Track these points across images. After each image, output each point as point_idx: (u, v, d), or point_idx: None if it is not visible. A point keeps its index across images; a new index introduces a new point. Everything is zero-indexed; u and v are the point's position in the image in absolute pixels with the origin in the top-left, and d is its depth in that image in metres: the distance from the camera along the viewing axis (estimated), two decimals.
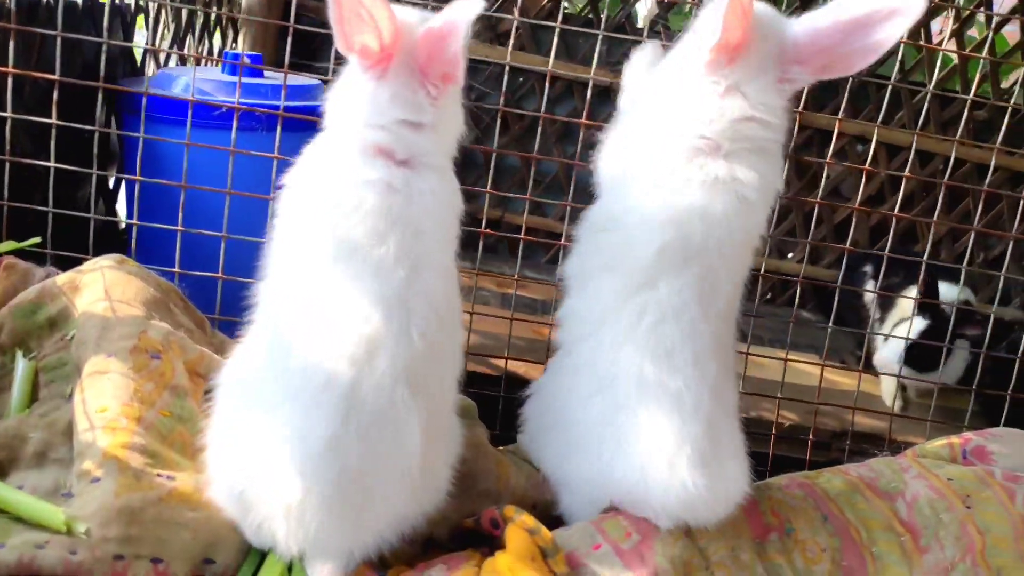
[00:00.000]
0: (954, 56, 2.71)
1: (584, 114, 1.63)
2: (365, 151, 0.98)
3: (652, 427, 1.04)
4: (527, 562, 0.93)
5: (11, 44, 1.42)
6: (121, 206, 2.22)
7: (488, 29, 2.80)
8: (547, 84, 1.78)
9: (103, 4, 2.11)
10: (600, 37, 1.63)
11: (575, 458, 1.11)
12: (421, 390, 0.96)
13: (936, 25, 3.14)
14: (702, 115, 1.06)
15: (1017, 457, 1.33)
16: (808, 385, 1.90)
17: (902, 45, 3.03)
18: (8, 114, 1.40)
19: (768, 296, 3.05)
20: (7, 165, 1.40)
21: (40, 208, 1.40)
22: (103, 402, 1.07)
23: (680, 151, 1.07)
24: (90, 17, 2.05)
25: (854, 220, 2.06)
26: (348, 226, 0.95)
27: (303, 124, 1.32)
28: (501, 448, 1.23)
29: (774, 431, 1.75)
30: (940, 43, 2.94)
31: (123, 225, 2.18)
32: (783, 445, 1.82)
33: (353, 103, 1.00)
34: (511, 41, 2.11)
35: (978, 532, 1.22)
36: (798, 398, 1.81)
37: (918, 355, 2.01)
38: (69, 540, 0.92)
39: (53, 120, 1.38)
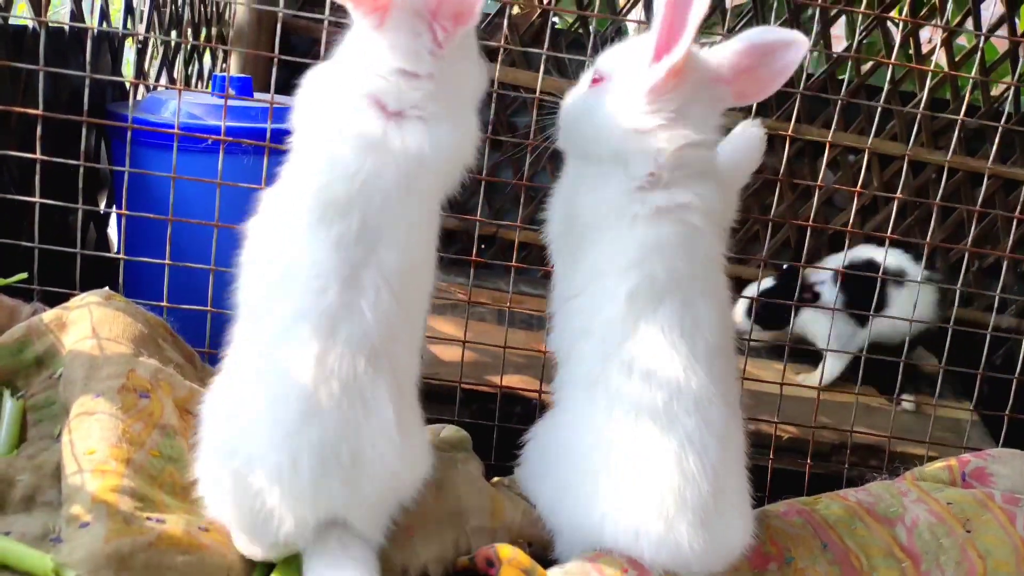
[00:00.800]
0: (944, 65, 2.72)
1: None
2: (360, 99, 0.97)
3: (650, 488, 1.03)
4: None
5: None
6: (114, 228, 2.21)
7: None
8: (535, 108, 1.77)
9: (90, 30, 2.10)
10: (590, 54, 1.62)
11: (569, 508, 1.10)
12: (382, 363, 0.96)
13: (925, 33, 3.15)
14: (650, 148, 1.06)
15: (1017, 478, 1.32)
16: (807, 397, 1.90)
17: (892, 56, 3.05)
18: None
19: None
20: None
21: (26, 244, 1.38)
22: (91, 444, 1.06)
23: (624, 193, 1.08)
24: (78, 43, 2.03)
25: (848, 235, 2.03)
26: (321, 184, 0.95)
27: None
28: (496, 480, 1.22)
29: (772, 449, 1.73)
30: (931, 52, 2.95)
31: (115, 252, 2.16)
32: (784, 459, 1.81)
33: (355, 49, 1.00)
34: (499, 60, 2.11)
35: (979, 556, 1.21)
36: (797, 412, 1.80)
37: (761, 311, 2.20)
38: None
39: (37, 156, 1.37)
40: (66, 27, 1.95)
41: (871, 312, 1.83)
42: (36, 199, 1.37)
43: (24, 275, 1.33)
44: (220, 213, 1.43)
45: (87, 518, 0.98)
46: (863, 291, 1.99)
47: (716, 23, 3.06)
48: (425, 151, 0.97)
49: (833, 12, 2.79)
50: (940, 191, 1.82)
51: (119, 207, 2.07)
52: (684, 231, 1.07)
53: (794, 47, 1.10)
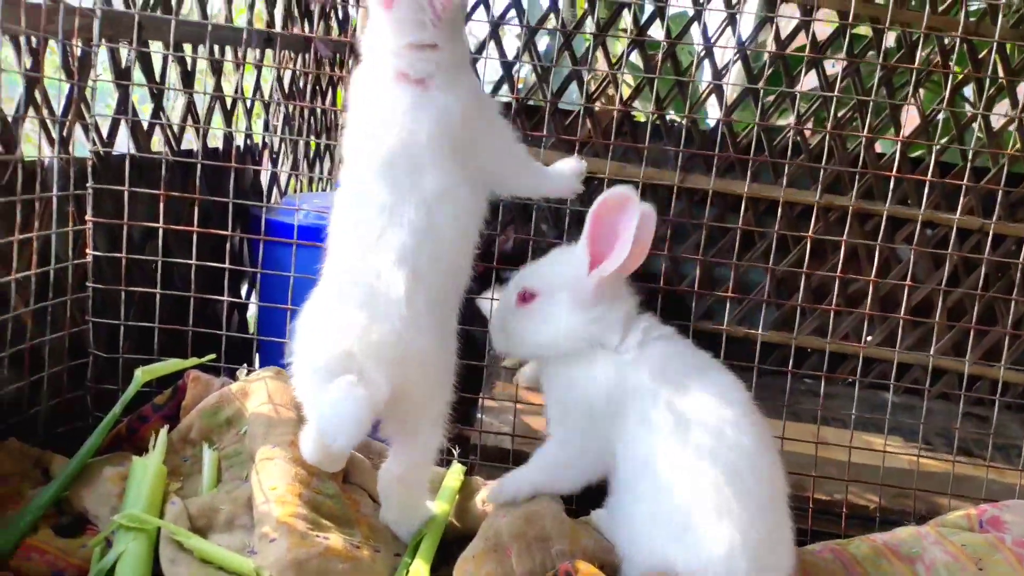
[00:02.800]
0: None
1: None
2: (393, 75, 1.38)
3: (715, 533, 1.37)
4: None
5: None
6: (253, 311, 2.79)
7: (563, 140, 3.31)
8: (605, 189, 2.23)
9: (239, 147, 2.73)
10: (668, 141, 2.04)
11: (643, 546, 1.46)
12: (407, 263, 1.36)
13: (1000, 109, 3.46)
14: (611, 323, 1.54)
15: None
16: (894, 467, 2.13)
17: (970, 130, 3.37)
18: (193, 260, 1.95)
19: (849, 380, 3.35)
20: (191, 300, 1.96)
21: (216, 332, 1.94)
22: (273, 482, 1.55)
23: (612, 360, 1.53)
24: (229, 157, 2.66)
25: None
26: (379, 143, 1.37)
27: None
28: (575, 520, 1.64)
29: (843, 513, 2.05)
30: (1004, 127, 3.27)
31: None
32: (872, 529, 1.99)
33: (376, 33, 1.40)
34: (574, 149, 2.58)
35: None
36: (893, 481, 2.05)
37: None
38: None
39: (226, 265, 1.95)
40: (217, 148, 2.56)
41: None
42: (225, 297, 1.93)
43: (213, 356, 1.87)
44: None
45: (274, 535, 1.46)
46: None
47: (787, 110, 3.48)
48: (448, 110, 1.38)
49: (901, 96, 3.18)
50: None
51: (257, 292, 2.67)
52: (671, 347, 1.53)
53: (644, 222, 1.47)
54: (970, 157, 2.54)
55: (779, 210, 2.33)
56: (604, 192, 1.46)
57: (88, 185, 1.90)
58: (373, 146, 1.39)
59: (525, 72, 4.44)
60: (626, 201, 1.45)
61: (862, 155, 2.67)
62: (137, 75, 2.11)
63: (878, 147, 3.67)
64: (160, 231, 1.95)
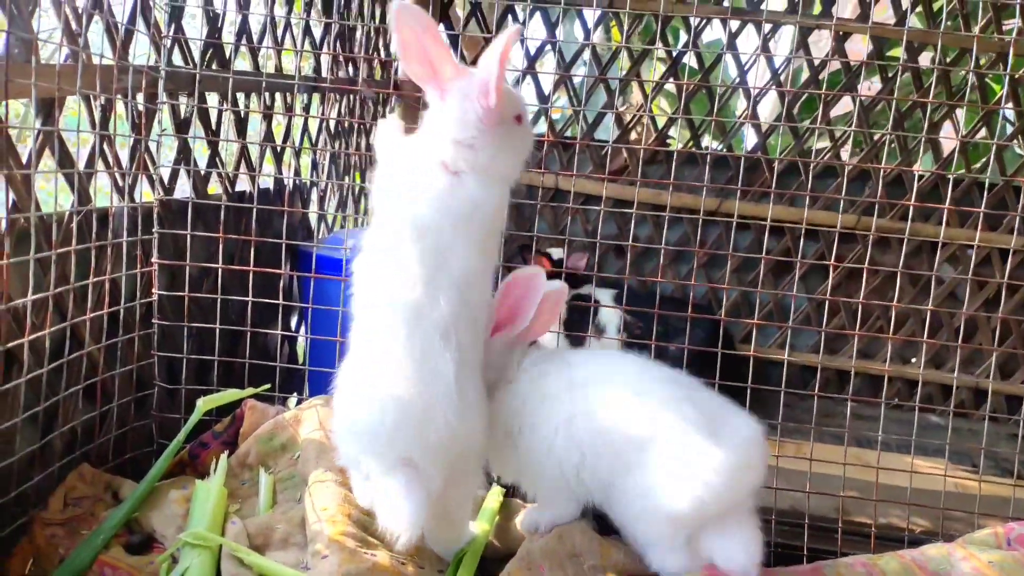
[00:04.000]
0: None
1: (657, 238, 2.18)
2: (435, 161, 1.47)
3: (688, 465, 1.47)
4: None
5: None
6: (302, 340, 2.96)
7: (600, 168, 3.44)
8: (632, 222, 2.36)
9: (286, 186, 2.92)
10: (702, 167, 2.14)
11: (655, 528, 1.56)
12: (451, 340, 1.43)
13: None
14: None
15: None
16: (938, 490, 2.14)
17: (1007, 149, 3.42)
18: (249, 298, 2.12)
19: (894, 402, 3.39)
20: (247, 334, 2.12)
21: (270, 363, 2.11)
22: (325, 503, 1.69)
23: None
24: (280, 196, 2.85)
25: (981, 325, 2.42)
26: (407, 219, 1.45)
27: None
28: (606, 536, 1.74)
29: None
30: None
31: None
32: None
33: (433, 119, 1.50)
34: (604, 180, 2.70)
35: None
36: (927, 504, 2.09)
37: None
38: None
39: (280, 301, 2.11)
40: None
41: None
42: (279, 331, 2.09)
43: (268, 386, 2.03)
44: None
45: (326, 552, 1.60)
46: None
47: (823, 133, 3.55)
48: (475, 202, 1.47)
49: (938, 117, 3.23)
50: None
51: (307, 325, 2.84)
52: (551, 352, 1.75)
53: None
54: (985, 183, 2.59)
55: (802, 235, 2.41)
56: (517, 271, 1.61)
57: (154, 230, 2.09)
58: (405, 216, 1.46)
59: (562, 103, 4.59)
60: (533, 280, 1.60)
61: (880, 178, 2.74)
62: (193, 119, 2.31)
63: (917, 167, 3.73)
64: (218, 269, 2.13)
